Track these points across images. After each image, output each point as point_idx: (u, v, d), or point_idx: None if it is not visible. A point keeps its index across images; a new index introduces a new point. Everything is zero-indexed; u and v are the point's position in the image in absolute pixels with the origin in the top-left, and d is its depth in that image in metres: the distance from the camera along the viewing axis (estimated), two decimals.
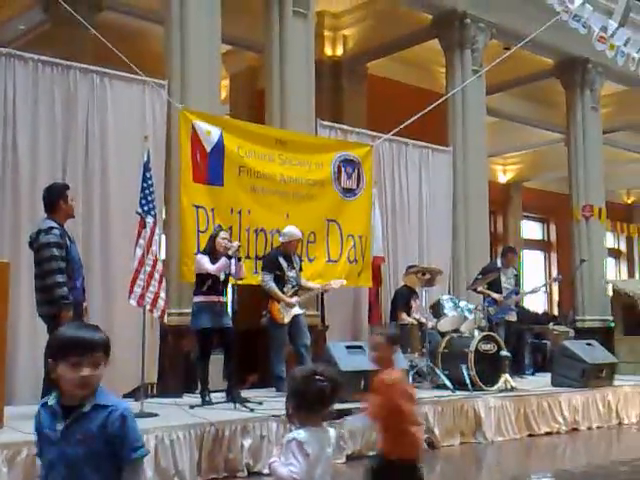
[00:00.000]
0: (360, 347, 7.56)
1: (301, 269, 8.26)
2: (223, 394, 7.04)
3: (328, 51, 13.18)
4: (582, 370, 9.04)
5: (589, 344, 9.65)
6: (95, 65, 7.97)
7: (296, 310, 7.86)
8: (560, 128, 15.20)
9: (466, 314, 9.24)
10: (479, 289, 10.09)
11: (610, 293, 13.40)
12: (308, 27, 9.86)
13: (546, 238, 21.89)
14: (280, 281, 7.88)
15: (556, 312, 17.57)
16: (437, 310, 9.31)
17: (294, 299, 7.92)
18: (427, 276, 9.24)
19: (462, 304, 9.36)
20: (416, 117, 9.66)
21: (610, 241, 20.38)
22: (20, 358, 6.96)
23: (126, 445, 2.32)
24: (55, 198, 6.13)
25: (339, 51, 13.29)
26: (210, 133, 8.27)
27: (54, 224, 5.99)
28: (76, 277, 6.09)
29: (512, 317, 10.34)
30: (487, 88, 12.30)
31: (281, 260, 7.97)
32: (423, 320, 9.16)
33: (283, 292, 7.88)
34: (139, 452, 2.35)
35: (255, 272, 8.46)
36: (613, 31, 9.58)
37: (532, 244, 21.22)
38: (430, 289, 9.44)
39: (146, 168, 6.90)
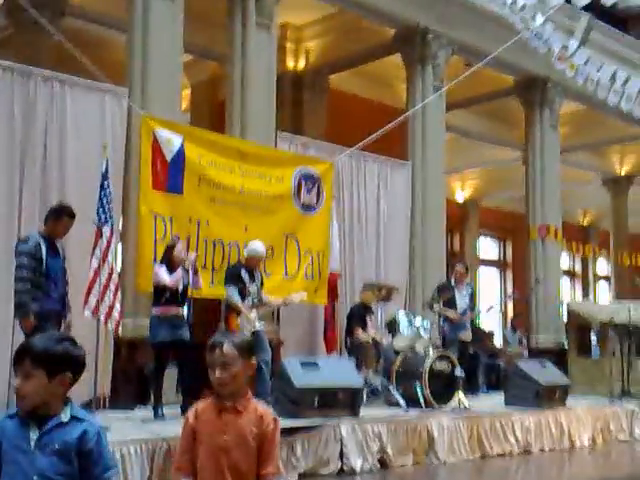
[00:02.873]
0: (315, 363, 7.71)
1: (262, 284, 8.38)
2: (177, 408, 7.11)
3: (290, 63, 13.37)
4: (535, 391, 9.19)
5: (543, 365, 9.83)
6: (56, 72, 8.03)
7: (257, 325, 7.97)
8: (519, 146, 15.56)
9: (421, 332, 9.40)
10: (435, 307, 10.29)
11: (565, 314, 13.72)
12: (271, 39, 10.06)
13: (502, 257, 22.27)
14: (241, 295, 7.96)
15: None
16: (393, 327, 9.49)
17: (253, 313, 8.05)
18: (383, 292, 9.47)
19: (417, 321, 9.53)
20: (377, 134, 9.85)
21: (565, 262, 20.84)
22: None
23: (101, 463, 2.35)
24: (49, 214, 6.45)
25: (301, 64, 13.48)
26: (171, 141, 8.39)
27: (35, 235, 6.28)
28: (52, 288, 6.25)
29: (467, 336, 10.57)
30: (447, 104, 12.59)
31: (243, 274, 8.07)
32: (378, 337, 9.33)
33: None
34: (113, 471, 2.39)
35: (212, 284, 8.57)
36: (573, 50, 9.84)
37: (488, 263, 21.61)
38: (386, 305, 9.64)
39: (104, 177, 7.02)
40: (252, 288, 8.11)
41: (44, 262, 6.17)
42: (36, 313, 6.07)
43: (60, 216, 6.39)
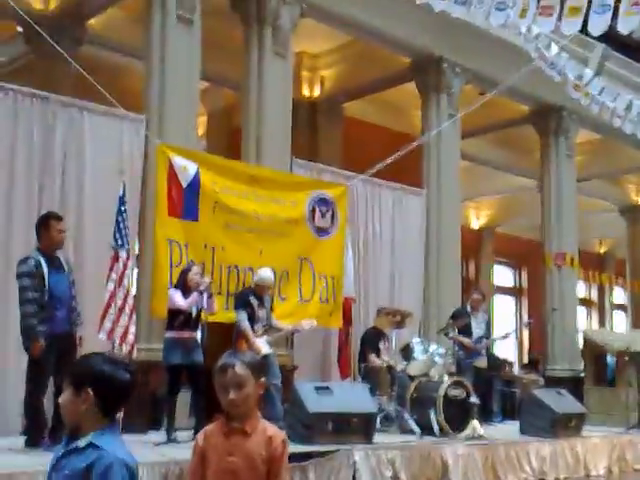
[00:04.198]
0: (328, 388, 7.71)
1: (272, 308, 8.41)
2: (189, 432, 7.14)
3: (305, 91, 13.52)
4: (551, 419, 9.12)
5: (559, 393, 9.77)
6: (75, 98, 8.19)
7: (266, 349, 8.00)
8: (534, 174, 15.57)
9: (436, 358, 9.37)
10: (450, 334, 10.29)
11: (581, 342, 13.66)
12: (286, 67, 10.20)
13: (517, 284, 22.22)
14: (251, 320, 8.00)
15: (526, 359, 17.81)
16: (407, 353, 9.47)
17: (264, 338, 8.07)
18: (397, 318, 9.47)
19: (432, 348, 9.49)
20: (391, 159, 9.92)
21: (582, 290, 20.76)
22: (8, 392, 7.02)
23: None
24: (37, 227, 6.38)
25: (316, 91, 13.63)
26: (186, 168, 8.48)
27: (33, 254, 6.21)
28: (57, 307, 6.21)
29: (482, 363, 10.54)
30: (462, 132, 12.68)
31: (252, 299, 8.11)
32: (392, 363, 9.32)
33: (253, 330, 7.99)
34: None
35: (226, 308, 8.61)
36: (588, 80, 9.90)
37: (504, 290, 21.56)
38: (400, 331, 9.65)
39: (121, 202, 7.11)
40: (261, 313, 8.14)
41: (46, 280, 6.12)
42: (45, 336, 6.03)
43: (47, 223, 6.33)
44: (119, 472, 2.25)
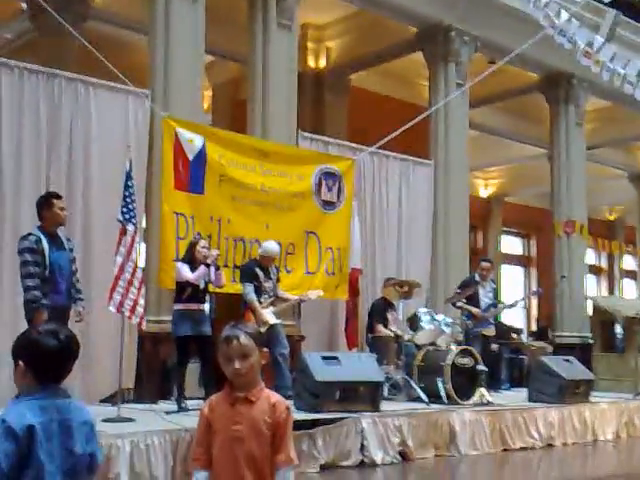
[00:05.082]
0: (336, 358, 7.80)
1: (278, 280, 8.49)
2: (199, 401, 7.25)
3: (311, 63, 13.49)
4: (559, 386, 9.21)
5: (567, 360, 9.83)
6: (81, 74, 8.23)
7: (273, 320, 8.09)
8: (543, 143, 15.51)
9: (443, 327, 9.46)
10: (458, 304, 10.35)
11: (590, 310, 13.69)
12: (291, 39, 10.17)
13: (526, 253, 22.20)
14: (257, 291, 8.09)
15: (534, 327, 17.88)
16: (414, 323, 9.55)
17: (270, 309, 8.16)
18: (405, 288, 9.53)
19: (439, 317, 9.60)
20: (398, 132, 9.91)
21: (591, 258, 20.73)
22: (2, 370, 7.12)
23: None
24: (39, 208, 6.55)
25: (322, 63, 13.59)
26: (193, 141, 8.54)
27: (35, 231, 6.40)
28: (58, 282, 6.40)
29: (489, 331, 10.60)
30: (471, 102, 12.61)
31: (257, 271, 8.19)
32: (400, 333, 9.40)
33: (260, 302, 8.09)
34: None
35: (233, 281, 8.71)
36: (599, 46, 9.80)
37: (512, 259, 21.55)
38: (408, 302, 9.72)
39: (128, 176, 7.16)
40: (267, 285, 8.22)
41: (47, 256, 6.31)
42: (48, 309, 6.20)
43: (50, 201, 6.51)
44: None
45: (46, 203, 6.53)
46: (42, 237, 6.35)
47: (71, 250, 6.71)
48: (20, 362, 2.45)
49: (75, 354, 2.55)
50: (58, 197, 6.65)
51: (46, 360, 2.46)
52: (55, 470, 2.39)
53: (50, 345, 2.46)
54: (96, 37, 9.54)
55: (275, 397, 2.83)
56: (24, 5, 10.80)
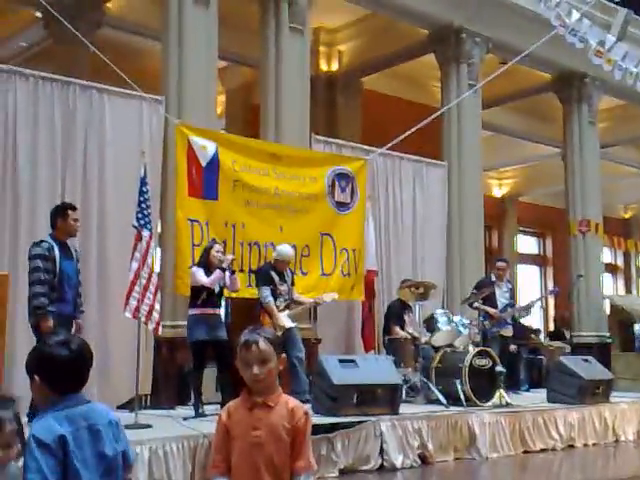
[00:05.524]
0: (353, 361, 7.73)
1: (293, 283, 8.45)
2: (216, 406, 7.21)
3: (323, 66, 13.45)
4: (578, 386, 9.09)
5: (585, 360, 9.71)
6: (95, 81, 8.23)
7: (289, 323, 8.04)
8: (557, 142, 15.43)
9: (460, 329, 9.37)
10: (474, 305, 10.25)
11: (607, 309, 13.57)
12: (304, 43, 10.14)
13: (542, 253, 22.06)
14: (273, 295, 8.05)
15: (552, 328, 17.73)
16: (431, 325, 9.45)
17: (286, 312, 8.12)
18: (420, 290, 9.44)
19: (456, 318, 9.50)
20: (411, 131, 9.88)
21: (607, 256, 20.58)
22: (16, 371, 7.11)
23: None
24: (53, 217, 6.61)
25: (334, 66, 13.55)
26: (205, 148, 8.52)
27: (47, 238, 6.47)
28: (66, 291, 6.45)
29: (507, 332, 10.50)
30: (483, 102, 12.55)
31: (273, 274, 8.16)
32: (416, 334, 9.33)
33: (275, 305, 8.04)
34: None
35: (249, 285, 8.69)
36: (611, 45, 9.73)
37: (528, 259, 21.41)
38: (424, 303, 9.64)
39: (143, 182, 7.14)
40: (283, 288, 8.19)
41: (57, 264, 6.35)
42: (54, 316, 6.23)
43: (65, 212, 6.58)
44: (30, 447, 2.33)
45: (61, 213, 6.59)
46: (54, 245, 6.40)
47: (78, 260, 6.76)
48: (35, 377, 2.44)
49: (89, 362, 2.53)
50: (73, 209, 6.71)
51: (61, 372, 2.45)
52: (92, 476, 2.39)
53: (63, 356, 2.45)
54: (110, 44, 9.57)
55: (293, 402, 2.80)
56: (38, 14, 10.81)
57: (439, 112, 11.17)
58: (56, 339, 2.51)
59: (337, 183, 9.80)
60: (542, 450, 8.34)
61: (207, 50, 9.04)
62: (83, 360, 2.50)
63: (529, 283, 20.62)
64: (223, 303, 7.86)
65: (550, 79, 14.33)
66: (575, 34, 9.70)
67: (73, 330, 6.46)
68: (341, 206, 9.85)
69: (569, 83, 14.10)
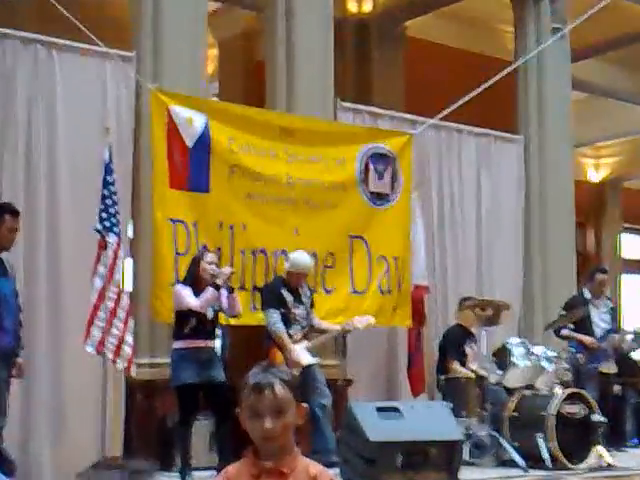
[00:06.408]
0: (396, 409, 7.77)
1: (313, 304, 8.52)
2: (211, 472, 7.27)
3: (352, 7, 13.49)
4: None
5: None
6: (40, 34, 8.27)
7: (308, 359, 8.11)
8: None
9: (543, 363, 9.38)
10: (563, 331, 10.26)
11: None
12: None
13: None
14: (285, 321, 8.11)
15: None
16: (503, 359, 9.49)
17: (304, 344, 8.18)
18: (488, 312, 9.48)
19: (537, 350, 9.51)
20: (474, 93, 9.93)
21: None
22: None
23: None
24: None
25: (367, 6, 13.59)
26: (192, 122, 8.60)
27: None
28: (3, 317, 6.48)
29: (609, 368, 10.51)
30: (573, 53, 12.57)
31: (285, 293, 8.23)
32: (483, 372, 9.36)
33: (289, 334, 8.10)
34: None
35: (253, 308, 8.76)
36: None
37: (636, 266, 21.36)
38: (493, 330, 9.67)
39: (107, 170, 7.25)
40: (298, 311, 8.26)
41: None
42: None
43: (1, 217, 6.55)
44: None
45: None
46: None
47: (14, 278, 6.76)
48: None
49: None
50: (13, 213, 6.69)
51: None
52: None
53: None
54: None
55: (316, 468, 2.79)
56: None
57: (512, 67, 11.20)
58: None
59: (372, 167, 9.84)
60: None
61: None
62: None
63: (638, 300, 20.56)
64: (219, 333, 7.91)
65: None
66: None
67: (14, 371, 6.54)
68: (378, 198, 9.90)
69: None
